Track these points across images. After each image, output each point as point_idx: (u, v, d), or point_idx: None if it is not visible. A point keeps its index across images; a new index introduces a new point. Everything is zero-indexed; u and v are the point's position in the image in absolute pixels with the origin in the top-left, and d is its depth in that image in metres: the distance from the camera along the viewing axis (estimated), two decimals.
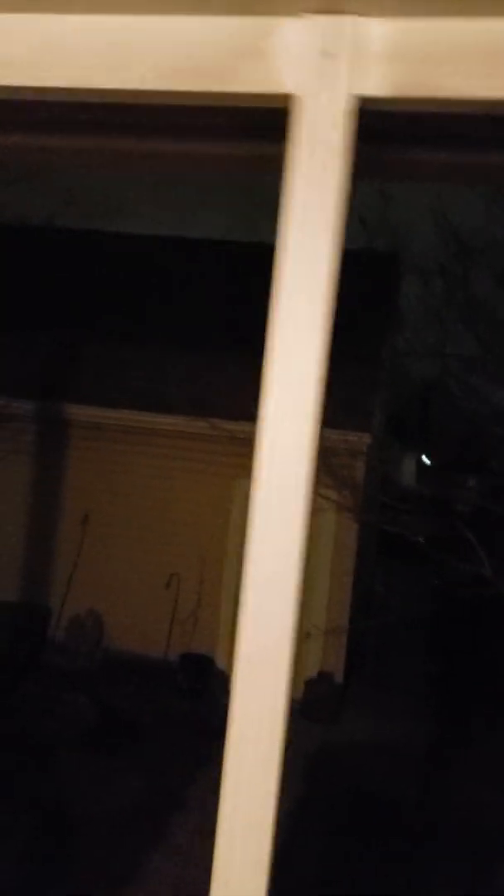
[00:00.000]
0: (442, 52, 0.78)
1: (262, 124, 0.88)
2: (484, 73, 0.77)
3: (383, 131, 0.83)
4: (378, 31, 0.79)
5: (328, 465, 6.79)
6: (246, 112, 0.86)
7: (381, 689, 8.17)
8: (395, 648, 9.13)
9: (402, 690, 8.07)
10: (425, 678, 8.34)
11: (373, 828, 5.45)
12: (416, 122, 0.81)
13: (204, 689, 7.52)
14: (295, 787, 5.47)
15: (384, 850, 5.13)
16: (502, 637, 7.61)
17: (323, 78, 0.81)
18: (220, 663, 7.93)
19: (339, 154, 0.82)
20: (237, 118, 0.88)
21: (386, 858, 5.02)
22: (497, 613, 6.28)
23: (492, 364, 5.17)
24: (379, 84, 0.80)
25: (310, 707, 7.16)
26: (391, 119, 0.82)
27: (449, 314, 5.33)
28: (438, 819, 5.72)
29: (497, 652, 7.73)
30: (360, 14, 0.79)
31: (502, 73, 0.76)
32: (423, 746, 6.86)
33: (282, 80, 0.83)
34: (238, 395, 7.51)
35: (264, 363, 0.83)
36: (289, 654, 0.83)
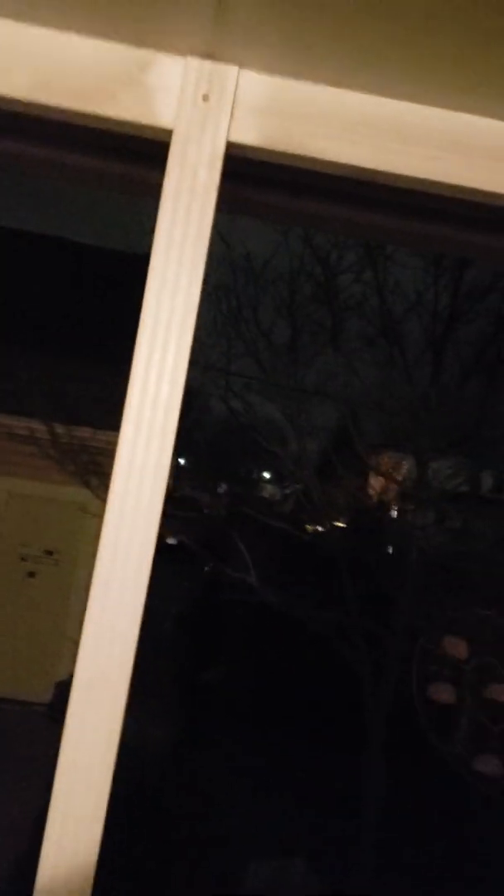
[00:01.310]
0: (313, 113, 0.85)
1: (139, 150, 0.90)
2: (349, 141, 0.85)
3: (250, 175, 0.89)
4: (257, 84, 0.85)
5: (94, 464, 6.74)
6: (124, 137, 0.87)
7: (138, 691, 8.20)
8: (155, 651, 9.22)
9: (158, 693, 8.18)
10: (181, 680, 8.52)
11: (115, 826, 5.46)
12: (282, 170, 0.87)
13: None
14: (41, 791, 5.34)
15: (134, 850, 5.18)
16: (266, 641, 7.97)
17: (199, 119, 0.85)
18: None
19: (207, 191, 0.87)
20: (115, 140, 0.89)
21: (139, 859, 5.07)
22: (259, 619, 6.56)
23: (266, 383, 5.51)
24: (250, 133, 0.86)
25: (58, 709, 7.02)
26: (258, 165, 0.88)
27: (234, 334, 5.63)
28: (180, 818, 5.87)
29: (259, 656, 8.08)
30: (243, 66, 0.84)
31: (365, 142, 0.85)
32: (171, 748, 7.00)
33: (160, 114, 0.85)
34: (15, 390, 7.23)
35: (128, 382, 0.85)
36: (128, 674, 0.85)
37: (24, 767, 5.44)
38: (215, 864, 5.22)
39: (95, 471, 6.48)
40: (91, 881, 0.86)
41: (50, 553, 7.42)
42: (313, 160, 0.86)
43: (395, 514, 6.60)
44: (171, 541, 6.85)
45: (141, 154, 0.86)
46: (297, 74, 0.84)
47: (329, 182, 0.88)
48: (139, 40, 0.83)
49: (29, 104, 0.82)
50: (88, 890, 0.86)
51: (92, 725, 0.84)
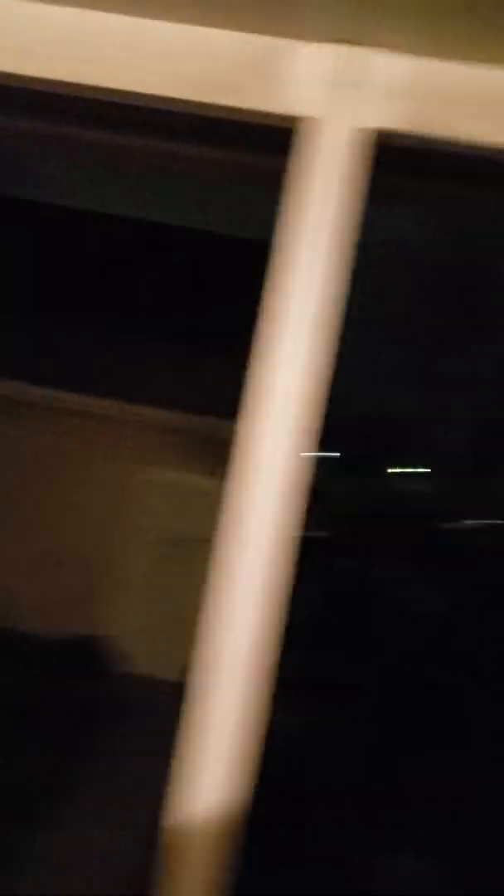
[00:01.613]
0: (456, 93, 0.82)
1: (266, 138, 0.89)
2: (492, 120, 0.81)
3: (393, 161, 0.86)
4: (396, 66, 0.82)
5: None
6: (253, 126, 0.87)
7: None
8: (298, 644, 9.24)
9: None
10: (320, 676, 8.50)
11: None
12: (427, 154, 0.84)
13: (96, 669, 7.46)
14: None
15: None
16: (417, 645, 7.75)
17: (337, 105, 0.83)
18: (113, 645, 7.88)
19: (346, 178, 0.84)
20: (242, 129, 0.89)
21: None
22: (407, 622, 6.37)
23: (415, 372, 5.40)
24: (391, 117, 0.83)
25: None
26: (402, 150, 0.85)
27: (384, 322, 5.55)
28: None
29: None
30: (381, 48, 0.82)
31: None
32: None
33: (291, 102, 0.84)
34: (154, 381, 7.45)
35: (250, 371, 0.85)
36: (252, 661, 0.85)
37: (156, 743, 5.59)
38: (351, 859, 5.17)
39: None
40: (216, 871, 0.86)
41: (188, 539, 7.62)
42: (461, 142, 0.82)
43: None
44: (314, 534, 6.83)
45: (268, 142, 0.86)
46: (435, 54, 0.80)
47: (480, 165, 0.85)
48: (272, 30, 0.82)
49: (160, 99, 0.83)
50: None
51: (212, 709, 0.85)
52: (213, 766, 0.85)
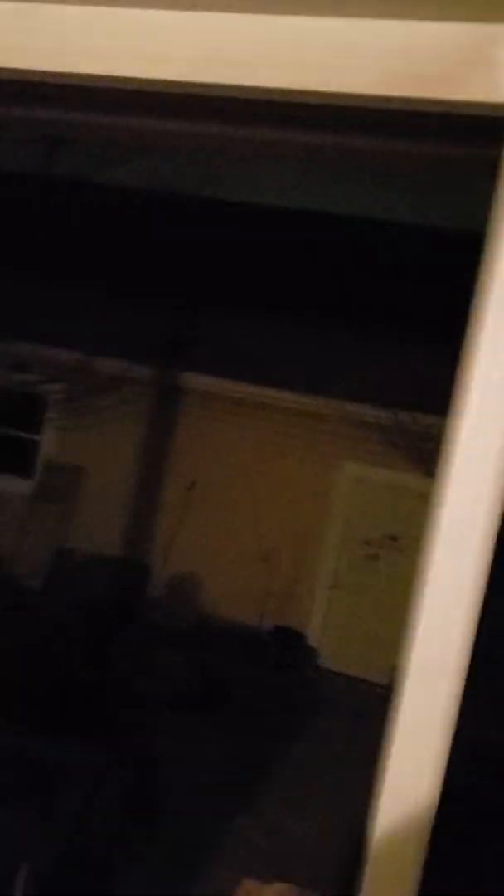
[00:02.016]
0: None
1: (478, 128, 0.87)
2: None
3: None
4: None
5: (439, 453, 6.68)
6: (465, 117, 0.85)
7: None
8: None
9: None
10: None
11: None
12: None
13: (294, 662, 7.60)
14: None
15: None
16: None
17: None
18: (312, 640, 7.98)
19: None
20: (453, 121, 0.87)
21: None
22: None
23: None
24: None
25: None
26: None
27: None
28: None
29: None
30: None
31: None
32: None
33: None
34: (360, 378, 7.48)
35: (462, 364, 0.84)
36: (460, 667, 0.84)
37: (354, 741, 5.61)
38: None
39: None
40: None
41: (394, 539, 7.56)
42: None
43: None
44: None
45: (479, 132, 0.83)
46: None
47: None
48: (488, 16, 0.80)
49: (372, 97, 0.83)
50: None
51: (420, 713, 0.85)
52: (417, 768, 0.85)
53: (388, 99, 0.83)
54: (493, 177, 0.83)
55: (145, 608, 8.19)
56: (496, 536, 0.82)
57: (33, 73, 1.17)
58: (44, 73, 1.16)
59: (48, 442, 9.30)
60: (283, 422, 8.35)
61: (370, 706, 6.90)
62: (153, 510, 8.74)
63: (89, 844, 4.27)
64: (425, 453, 6.84)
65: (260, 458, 8.44)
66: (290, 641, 7.82)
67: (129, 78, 1.18)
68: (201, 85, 1.14)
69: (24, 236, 9.27)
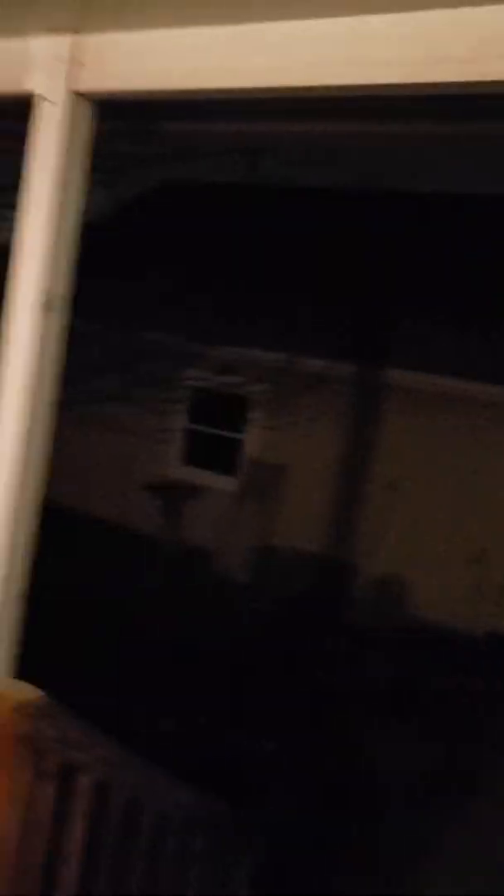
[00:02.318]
0: None
1: None
2: None
3: None
4: None
5: None
6: None
7: None
8: None
9: None
10: None
11: None
12: None
13: None
14: None
15: None
16: None
17: None
18: None
19: None
20: None
21: None
22: None
23: None
24: None
25: None
26: None
27: None
28: None
29: None
30: None
31: None
32: None
33: None
34: None
35: None
36: None
37: None
38: None
39: None
40: None
41: None
42: None
43: None
44: None
45: None
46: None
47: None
48: None
49: None
50: None
51: None
52: None
53: None
54: None
55: (350, 608, 8.18)
56: None
57: (254, 90, 1.17)
58: (265, 89, 1.16)
59: (252, 441, 9.54)
60: (490, 417, 8.02)
61: None
62: (357, 509, 8.71)
63: (301, 844, 4.31)
64: None
65: (466, 454, 8.16)
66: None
67: (346, 86, 1.15)
68: (422, 85, 1.10)
69: (228, 243, 9.57)
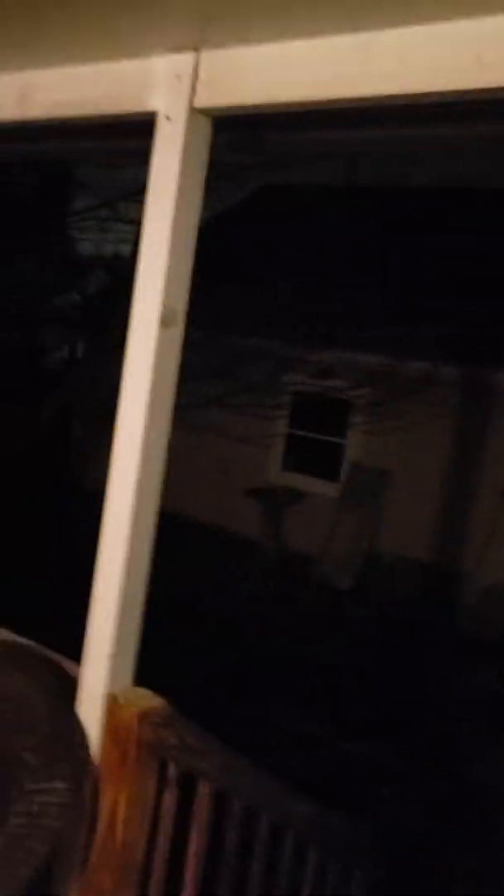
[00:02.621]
0: None
1: None
2: None
3: None
4: None
5: None
6: None
7: None
8: None
9: None
10: None
11: None
12: None
13: None
14: None
15: None
16: None
17: None
18: None
19: None
20: None
21: None
22: None
23: None
24: None
25: None
26: None
27: None
28: None
29: None
30: None
31: None
32: None
33: None
34: None
35: None
36: None
37: None
38: None
39: None
40: None
41: None
42: None
43: None
44: None
45: None
46: None
47: None
48: None
49: None
50: None
51: None
52: None
53: None
54: None
55: (457, 616, 7.98)
56: None
57: (373, 98, 1.15)
58: (383, 97, 1.14)
59: (354, 446, 9.45)
60: None
61: None
62: (464, 515, 8.50)
63: (409, 851, 4.24)
64: None
65: None
66: None
67: (470, 90, 1.12)
68: None
69: (327, 246, 9.53)
